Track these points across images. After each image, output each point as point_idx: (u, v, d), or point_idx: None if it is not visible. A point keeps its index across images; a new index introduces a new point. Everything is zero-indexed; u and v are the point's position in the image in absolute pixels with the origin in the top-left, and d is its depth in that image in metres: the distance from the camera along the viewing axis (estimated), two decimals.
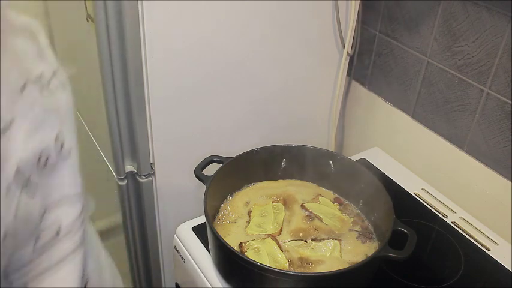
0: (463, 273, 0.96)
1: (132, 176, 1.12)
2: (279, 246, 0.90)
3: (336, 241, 0.92)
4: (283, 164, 1.07)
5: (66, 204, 0.55)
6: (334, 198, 1.04)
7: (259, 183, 1.06)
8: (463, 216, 1.08)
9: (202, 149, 1.07)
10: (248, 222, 0.97)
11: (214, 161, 1.00)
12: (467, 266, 0.97)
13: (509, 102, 0.97)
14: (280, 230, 0.95)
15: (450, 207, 1.11)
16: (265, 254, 0.88)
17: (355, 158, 1.21)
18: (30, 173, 0.49)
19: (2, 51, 0.46)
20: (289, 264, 0.88)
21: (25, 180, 0.48)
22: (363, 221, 0.99)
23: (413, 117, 1.20)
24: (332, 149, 1.33)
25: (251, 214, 0.98)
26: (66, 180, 0.54)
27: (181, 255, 1.01)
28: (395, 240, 0.84)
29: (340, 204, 1.03)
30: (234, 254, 0.82)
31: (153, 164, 1.10)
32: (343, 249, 0.92)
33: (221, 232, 0.90)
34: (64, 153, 0.53)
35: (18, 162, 0.47)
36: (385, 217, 0.91)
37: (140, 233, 1.22)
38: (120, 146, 1.08)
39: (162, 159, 1.10)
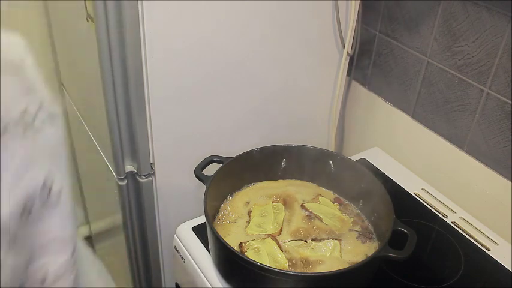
0: (463, 273, 0.95)
1: (132, 176, 1.12)
2: (279, 246, 0.90)
3: (336, 241, 0.92)
4: (283, 164, 1.07)
5: (53, 249, 0.51)
6: (334, 198, 1.04)
7: (259, 183, 1.06)
8: (463, 216, 1.08)
9: (202, 149, 1.07)
10: (248, 222, 0.97)
11: (214, 161, 1.00)
12: (467, 266, 0.97)
13: (509, 102, 0.97)
14: (280, 230, 0.95)
15: (450, 207, 1.11)
16: (265, 254, 0.88)
17: (355, 158, 1.20)
18: (14, 228, 0.45)
19: None
20: (289, 264, 0.88)
21: (11, 237, 0.45)
22: (363, 221, 0.99)
23: (413, 117, 1.20)
24: (332, 149, 1.33)
25: (251, 214, 0.98)
26: (54, 226, 0.50)
27: (181, 255, 1.01)
28: (395, 240, 0.84)
29: (340, 204, 1.03)
30: (234, 254, 0.82)
31: (153, 164, 1.10)
32: (343, 249, 0.92)
33: (221, 232, 0.90)
34: (52, 199, 0.49)
35: None
36: (385, 217, 0.91)
37: (140, 233, 1.22)
38: (120, 146, 1.08)
39: (162, 159, 1.10)
